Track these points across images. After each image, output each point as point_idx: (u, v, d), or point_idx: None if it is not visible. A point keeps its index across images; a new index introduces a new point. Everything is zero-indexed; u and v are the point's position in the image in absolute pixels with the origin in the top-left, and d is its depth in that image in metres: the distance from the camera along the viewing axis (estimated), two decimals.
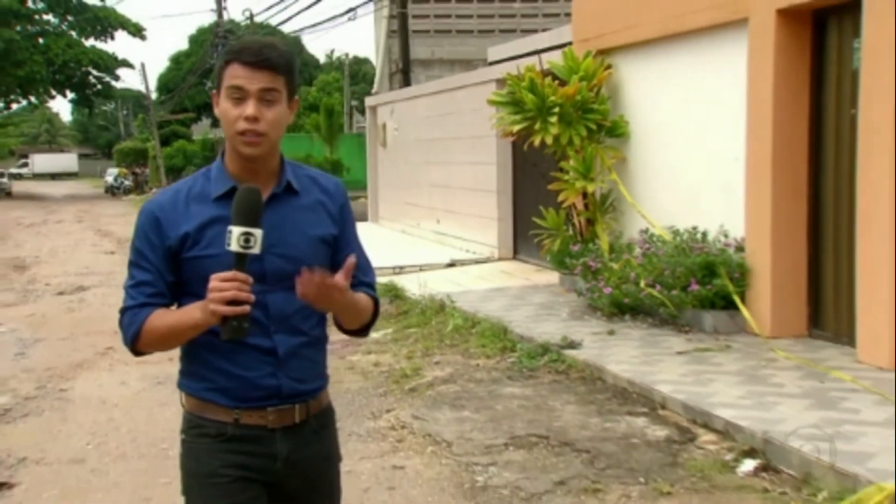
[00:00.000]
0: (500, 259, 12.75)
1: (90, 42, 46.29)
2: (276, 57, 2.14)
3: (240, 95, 2.13)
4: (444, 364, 7.20)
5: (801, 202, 7.17)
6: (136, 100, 67.44)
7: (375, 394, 6.53)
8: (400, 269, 11.94)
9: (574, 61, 9.47)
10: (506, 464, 4.95)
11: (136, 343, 2.22)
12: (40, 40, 44.31)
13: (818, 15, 7.00)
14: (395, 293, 10.00)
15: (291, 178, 2.26)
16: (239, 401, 2.22)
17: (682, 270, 7.52)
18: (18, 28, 43.31)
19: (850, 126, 6.64)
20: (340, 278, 2.11)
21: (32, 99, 50.26)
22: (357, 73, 50.83)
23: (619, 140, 9.44)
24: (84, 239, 20.75)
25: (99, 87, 48.35)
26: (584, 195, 9.41)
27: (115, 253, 16.69)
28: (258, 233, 2.05)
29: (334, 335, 2.44)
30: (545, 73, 9.64)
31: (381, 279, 10.45)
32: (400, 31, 21.59)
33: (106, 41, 46.98)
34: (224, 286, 2.02)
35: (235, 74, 2.14)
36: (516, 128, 9.46)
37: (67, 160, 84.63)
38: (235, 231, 2.04)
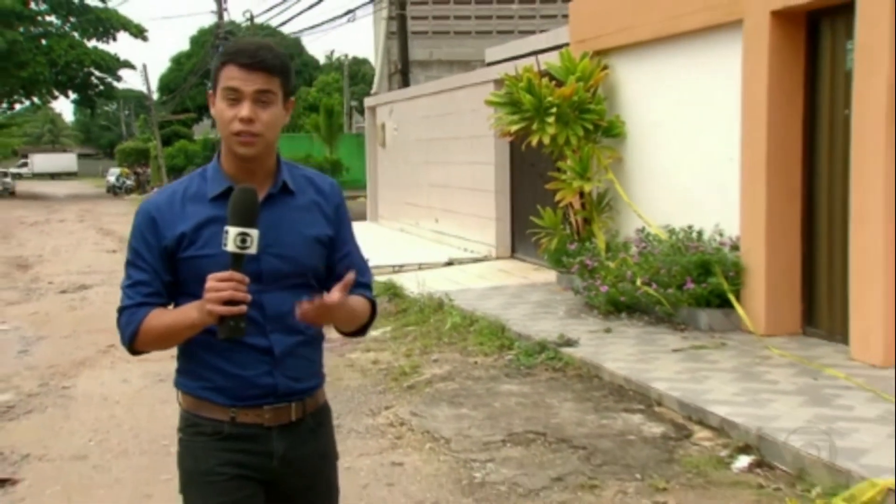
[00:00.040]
0: (497, 258, 12.78)
1: (92, 43, 46.34)
2: (272, 58, 2.15)
3: (235, 97, 2.14)
4: (442, 362, 7.25)
5: (796, 201, 7.22)
6: (137, 100, 67.56)
7: (374, 391, 6.57)
8: (399, 268, 11.96)
9: (571, 62, 9.51)
10: (503, 460, 4.98)
11: (134, 342, 2.23)
12: (43, 41, 44.39)
13: (812, 17, 7.05)
14: (394, 291, 10.03)
15: (287, 179, 2.26)
16: (235, 399, 2.23)
17: (677, 269, 7.57)
18: (22, 29, 43.39)
19: (844, 126, 6.69)
20: (337, 296, 2.11)
21: (35, 99, 50.35)
22: (356, 74, 50.79)
23: (615, 140, 9.48)
24: (86, 238, 20.80)
25: (101, 87, 48.46)
26: (581, 195, 9.45)
27: (117, 252, 16.71)
28: (255, 233, 2.05)
29: (332, 332, 2.48)
30: (542, 74, 9.68)
31: (380, 278, 10.52)
32: (399, 32, 21.60)
33: (108, 42, 47.06)
34: (221, 286, 2.02)
35: (231, 76, 2.14)
36: (514, 128, 9.50)
37: (66, 160, 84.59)
38: (232, 231, 2.04)
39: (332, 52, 72.30)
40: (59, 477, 5.04)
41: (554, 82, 9.46)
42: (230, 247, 2.04)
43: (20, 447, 5.54)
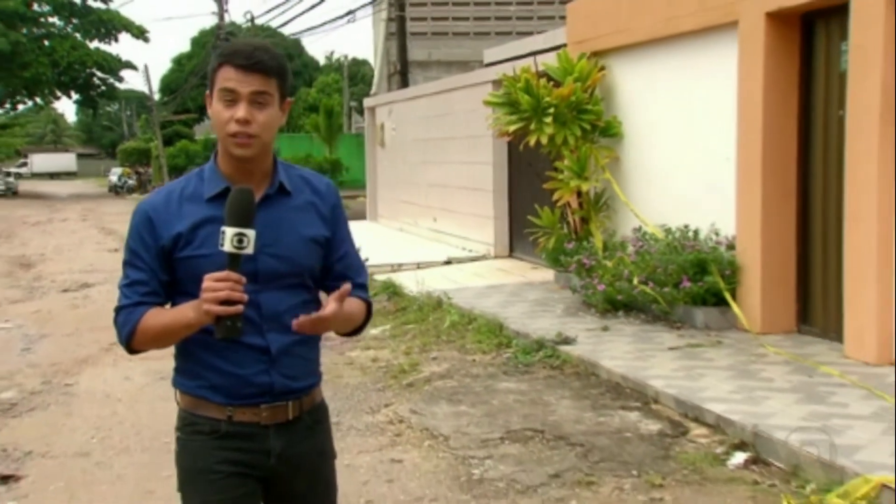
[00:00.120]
0: (496, 257, 12.82)
1: (94, 44, 46.43)
2: (268, 60, 2.15)
3: (231, 98, 2.14)
4: (441, 360, 7.28)
5: (791, 201, 7.27)
6: (139, 101, 67.57)
7: (374, 389, 6.60)
8: (398, 267, 11.98)
9: (568, 63, 9.55)
10: (502, 457, 5.02)
11: (131, 342, 2.24)
12: (46, 42, 44.53)
13: (806, 18, 7.08)
14: (393, 290, 10.05)
15: (284, 179, 2.27)
16: (232, 398, 2.24)
17: (674, 268, 7.61)
18: (24, 30, 43.52)
19: (838, 127, 6.73)
20: (334, 308, 2.13)
21: (38, 100, 50.44)
22: (356, 75, 50.82)
23: (612, 140, 9.52)
24: (88, 237, 20.85)
25: (103, 88, 48.57)
26: (579, 194, 9.49)
27: (119, 251, 16.57)
28: (251, 233, 2.06)
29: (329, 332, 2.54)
30: (540, 75, 9.72)
31: (379, 276, 10.57)
32: (398, 33, 21.62)
33: (110, 43, 47.14)
34: (217, 286, 2.03)
35: (227, 77, 2.14)
36: (512, 128, 9.54)
37: (66, 160, 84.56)
38: (229, 232, 2.04)
39: (331, 53, 72.44)
40: (62, 473, 5.08)
41: (552, 83, 9.50)
42: (227, 247, 2.05)
43: (23, 444, 5.58)
